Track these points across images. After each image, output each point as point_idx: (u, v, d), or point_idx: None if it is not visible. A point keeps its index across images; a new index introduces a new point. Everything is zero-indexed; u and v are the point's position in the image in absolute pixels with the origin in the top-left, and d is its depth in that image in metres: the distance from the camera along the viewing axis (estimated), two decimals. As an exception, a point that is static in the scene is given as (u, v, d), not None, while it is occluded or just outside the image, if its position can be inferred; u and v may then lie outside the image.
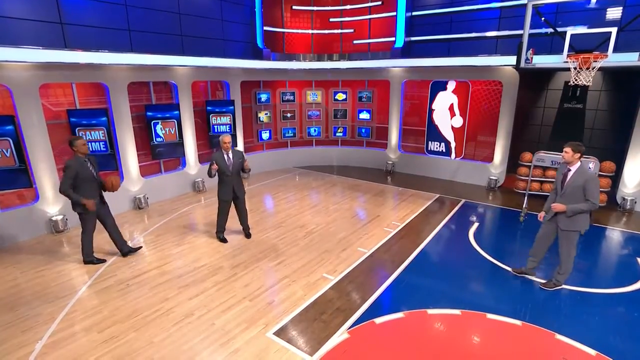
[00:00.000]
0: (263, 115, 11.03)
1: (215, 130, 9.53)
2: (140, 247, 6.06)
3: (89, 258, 5.58)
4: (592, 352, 3.67)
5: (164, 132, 8.33)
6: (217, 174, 5.82)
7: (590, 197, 4.10)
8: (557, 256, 4.71)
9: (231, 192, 6.00)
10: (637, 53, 6.43)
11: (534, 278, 5.04)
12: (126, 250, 5.81)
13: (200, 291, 4.85)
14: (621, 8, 7.55)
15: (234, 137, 9.85)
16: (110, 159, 7.32)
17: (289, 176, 10.70)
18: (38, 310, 4.45)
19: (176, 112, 8.44)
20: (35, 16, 6.46)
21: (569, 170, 4.29)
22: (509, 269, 5.34)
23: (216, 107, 9.46)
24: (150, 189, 8.24)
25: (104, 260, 5.66)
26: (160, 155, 8.47)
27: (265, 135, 11.22)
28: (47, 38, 6.56)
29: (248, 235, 6.49)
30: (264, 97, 10.91)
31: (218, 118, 9.50)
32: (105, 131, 7.20)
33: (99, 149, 7.20)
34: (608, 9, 7.75)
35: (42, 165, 6.50)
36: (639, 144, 7.61)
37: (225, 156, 5.86)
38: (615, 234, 6.71)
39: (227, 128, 9.68)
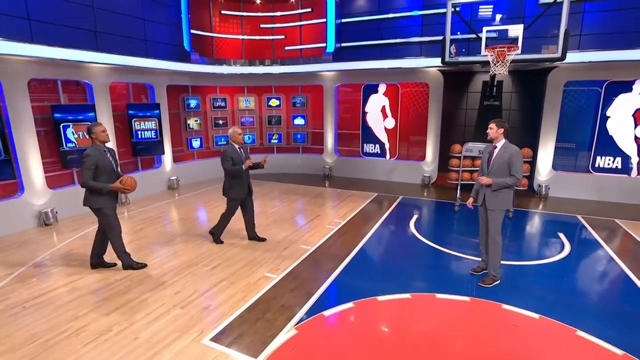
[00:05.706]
0: (193, 122, 10.36)
1: (139, 137, 8.67)
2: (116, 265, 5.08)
3: (129, 262, 4.90)
4: (536, 315, 3.77)
5: (76, 136, 7.32)
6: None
7: (514, 172, 4.17)
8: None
9: (247, 189, 5.61)
10: (540, 53, 7.22)
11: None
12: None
13: (120, 304, 4.13)
14: (522, 25, 8.41)
15: (160, 143, 9.06)
16: (4, 166, 6.19)
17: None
18: None
19: (91, 113, 7.50)
20: None
21: (495, 147, 4.35)
22: (453, 253, 5.41)
23: (139, 111, 8.64)
24: (60, 202, 7.10)
25: (144, 265, 5.04)
26: (72, 163, 7.38)
27: (195, 144, 10.52)
28: None
29: (261, 238, 5.96)
30: (193, 102, 10.28)
31: (142, 123, 8.67)
32: (-2, 134, 6.12)
33: (-11, 155, 6.07)
34: (509, 27, 8.62)
35: None
36: (546, 138, 8.61)
37: (239, 150, 5.41)
38: (537, 216, 7.32)
39: (153, 134, 8.88)
